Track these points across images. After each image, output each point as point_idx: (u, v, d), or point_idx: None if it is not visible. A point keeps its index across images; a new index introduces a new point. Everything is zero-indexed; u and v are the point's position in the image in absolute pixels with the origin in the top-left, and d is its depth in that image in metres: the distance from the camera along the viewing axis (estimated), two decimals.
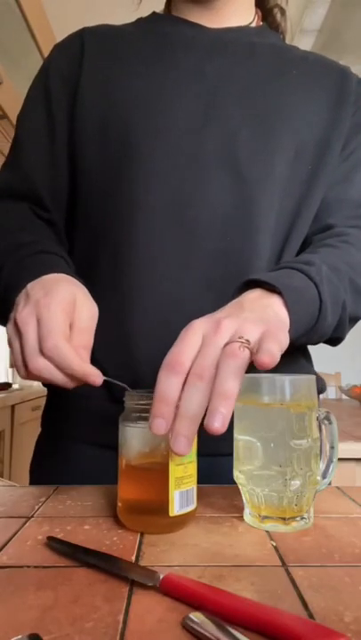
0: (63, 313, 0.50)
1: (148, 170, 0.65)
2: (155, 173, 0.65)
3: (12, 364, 0.52)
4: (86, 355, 0.51)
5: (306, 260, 0.59)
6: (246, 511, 0.50)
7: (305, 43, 2.88)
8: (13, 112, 2.36)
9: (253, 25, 0.76)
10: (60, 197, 0.71)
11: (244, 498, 0.50)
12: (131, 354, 0.64)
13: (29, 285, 0.53)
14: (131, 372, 0.64)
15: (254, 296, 0.51)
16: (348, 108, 0.71)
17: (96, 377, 0.49)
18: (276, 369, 0.44)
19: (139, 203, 0.65)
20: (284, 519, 0.47)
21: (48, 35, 2.42)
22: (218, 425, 0.41)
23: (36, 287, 0.53)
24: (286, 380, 0.48)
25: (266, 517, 0.48)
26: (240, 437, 0.49)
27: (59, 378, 0.49)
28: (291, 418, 0.47)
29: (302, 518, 0.48)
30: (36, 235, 0.65)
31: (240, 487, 0.50)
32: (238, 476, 0.50)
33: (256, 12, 0.77)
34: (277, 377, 0.48)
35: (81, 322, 0.51)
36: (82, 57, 0.70)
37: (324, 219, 0.71)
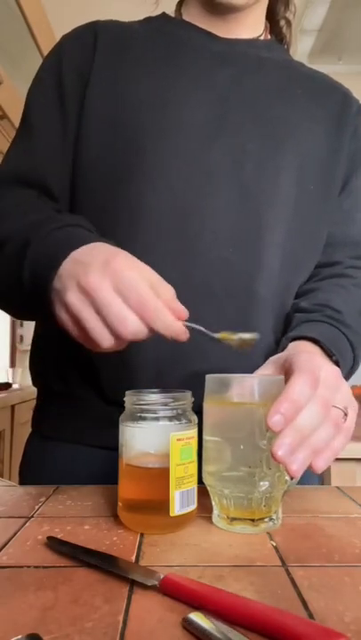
0: (142, 273, 0.47)
1: (156, 172, 0.65)
2: (162, 176, 0.65)
3: (80, 338, 0.48)
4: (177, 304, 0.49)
5: (339, 318, 0.64)
6: (215, 513, 0.50)
7: (305, 43, 2.88)
8: (13, 112, 2.36)
9: (262, 38, 0.76)
10: (65, 190, 0.69)
11: (212, 500, 0.50)
12: (128, 356, 0.64)
13: (76, 254, 0.49)
14: (127, 372, 0.64)
15: (332, 372, 0.50)
16: (347, 131, 0.74)
17: (185, 335, 0.48)
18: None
19: (145, 204, 0.64)
20: (252, 520, 0.47)
21: (48, 35, 2.41)
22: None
23: (93, 252, 0.49)
24: (255, 379, 0.48)
25: (235, 519, 0.48)
26: (209, 438, 0.49)
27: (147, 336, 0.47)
28: (259, 418, 0.46)
29: (271, 519, 0.48)
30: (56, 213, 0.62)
31: (208, 489, 0.50)
32: (207, 477, 0.49)
33: (265, 25, 0.77)
34: (246, 377, 0.47)
35: (160, 280, 0.48)
36: (94, 50, 0.69)
37: (330, 253, 0.74)
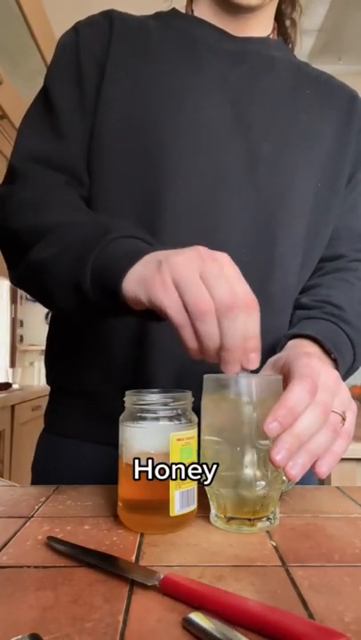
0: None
1: (173, 171, 0.64)
2: (178, 175, 0.64)
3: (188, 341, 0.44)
4: None
5: (340, 314, 0.63)
6: (212, 512, 0.50)
7: (305, 43, 2.88)
8: (13, 112, 2.36)
9: (271, 37, 0.76)
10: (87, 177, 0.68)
11: (210, 499, 0.50)
12: (146, 352, 0.64)
13: (158, 253, 0.47)
14: (145, 370, 0.64)
15: (331, 376, 0.49)
16: (353, 129, 0.74)
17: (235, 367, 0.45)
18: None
19: (160, 203, 0.64)
20: (249, 520, 0.47)
21: (48, 35, 2.42)
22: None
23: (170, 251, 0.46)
24: (253, 379, 0.48)
25: (231, 518, 0.48)
26: (207, 438, 0.49)
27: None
28: (257, 418, 0.46)
29: (268, 519, 0.48)
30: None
31: (206, 488, 0.50)
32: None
33: (274, 25, 0.77)
34: (244, 377, 0.47)
35: None
36: (110, 37, 0.68)
37: (335, 246, 0.74)
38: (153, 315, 0.46)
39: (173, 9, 0.76)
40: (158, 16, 0.74)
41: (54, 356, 0.73)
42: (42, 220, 0.59)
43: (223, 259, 0.45)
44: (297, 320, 0.66)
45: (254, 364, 0.45)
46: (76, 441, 0.68)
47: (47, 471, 0.71)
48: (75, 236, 0.55)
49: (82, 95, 0.67)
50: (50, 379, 0.74)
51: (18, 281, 0.64)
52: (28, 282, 0.62)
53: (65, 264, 0.53)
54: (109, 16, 0.70)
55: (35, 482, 0.71)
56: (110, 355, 0.67)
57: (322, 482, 0.71)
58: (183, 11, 0.76)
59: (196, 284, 0.42)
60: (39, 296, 0.62)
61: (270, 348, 0.65)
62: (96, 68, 0.67)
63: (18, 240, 0.60)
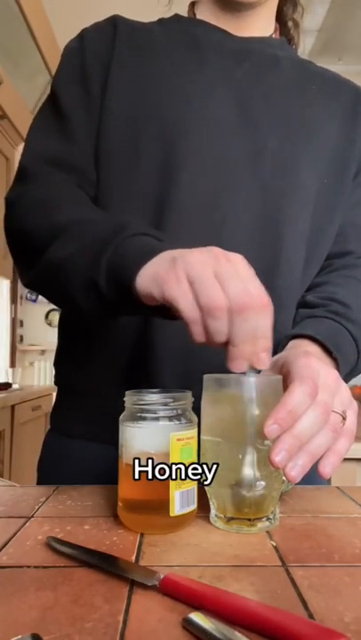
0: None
1: (180, 167, 0.65)
2: (185, 171, 0.65)
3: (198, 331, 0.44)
4: None
5: (345, 312, 0.63)
6: (212, 513, 0.50)
7: (305, 43, 2.88)
8: (13, 112, 2.36)
9: (273, 37, 0.76)
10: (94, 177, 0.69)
11: (209, 499, 0.50)
12: (150, 352, 0.64)
13: (172, 251, 0.47)
14: (149, 366, 0.64)
15: (330, 375, 0.49)
16: (360, 127, 0.74)
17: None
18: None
19: (167, 199, 0.64)
20: (249, 520, 0.47)
21: (48, 35, 2.41)
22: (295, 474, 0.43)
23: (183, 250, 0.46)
24: (253, 380, 0.48)
25: (231, 519, 0.48)
26: (206, 437, 0.49)
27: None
28: (257, 418, 0.46)
29: (268, 519, 0.48)
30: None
31: (205, 488, 0.50)
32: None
33: (275, 26, 0.78)
34: (244, 377, 0.47)
35: None
36: (114, 39, 0.69)
37: (342, 243, 0.74)
38: (166, 313, 0.47)
39: (176, 14, 0.77)
40: (160, 22, 0.75)
41: (61, 356, 0.73)
42: (54, 219, 0.59)
43: (237, 259, 0.45)
44: (300, 319, 0.66)
45: (264, 364, 0.45)
46: (81, 441, 0.68)
47: (52, 471, 0.71)
48: (90, 234, 0.55)
49: (88, 97, 0.68)
50: (56, 379, 0.74)
51: (32, 282, 0.63)
52: (44, 283, 0.61)
53: (81, 263, 0.53)
54: (114, 21, 0.72)
55: (40, 482, 0.71)
56: (114, 355, 0.67)
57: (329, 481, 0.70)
58: (185, 17, 0.77)
59: (211, 282, 0.43)
60: (56, 297, 0.62)
61: (273, 344, 0.65)
62: (102, 69, 0.68)
63: (31, 241, 0.60)
